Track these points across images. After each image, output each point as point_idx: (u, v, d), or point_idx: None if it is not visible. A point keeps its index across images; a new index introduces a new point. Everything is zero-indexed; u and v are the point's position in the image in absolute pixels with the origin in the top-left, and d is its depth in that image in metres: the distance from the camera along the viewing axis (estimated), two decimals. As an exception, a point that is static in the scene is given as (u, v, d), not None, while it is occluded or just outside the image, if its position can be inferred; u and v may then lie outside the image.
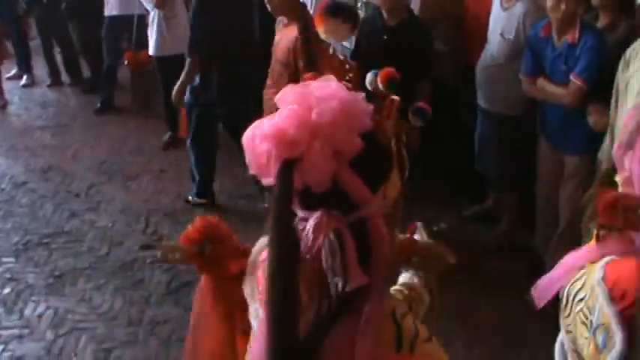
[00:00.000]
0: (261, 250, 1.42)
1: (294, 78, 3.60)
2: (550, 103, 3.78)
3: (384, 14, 4.32)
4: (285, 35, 3.95)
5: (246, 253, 1.54)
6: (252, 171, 1.21)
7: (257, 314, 1.39)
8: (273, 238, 1.14)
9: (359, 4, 4.71)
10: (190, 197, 5.21)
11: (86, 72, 8.01)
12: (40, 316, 3.92)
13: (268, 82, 4.16)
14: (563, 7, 3.50)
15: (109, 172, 5.78)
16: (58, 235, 4.74)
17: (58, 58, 8.12)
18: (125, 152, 6.20)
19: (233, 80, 4.68)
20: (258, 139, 1.17)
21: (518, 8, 3.99)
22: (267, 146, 1.15)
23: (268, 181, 1.17)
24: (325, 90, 1.19)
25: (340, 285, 1.14)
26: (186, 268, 4.26)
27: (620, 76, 3.17)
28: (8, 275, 4.28)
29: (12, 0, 7.75)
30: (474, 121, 4.46)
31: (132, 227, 4.88)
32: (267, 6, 4.02)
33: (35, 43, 8.23)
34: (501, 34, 4.06)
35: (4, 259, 4.45)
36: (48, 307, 3.99)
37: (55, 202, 5.24)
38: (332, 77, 1.26)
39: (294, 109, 1.17)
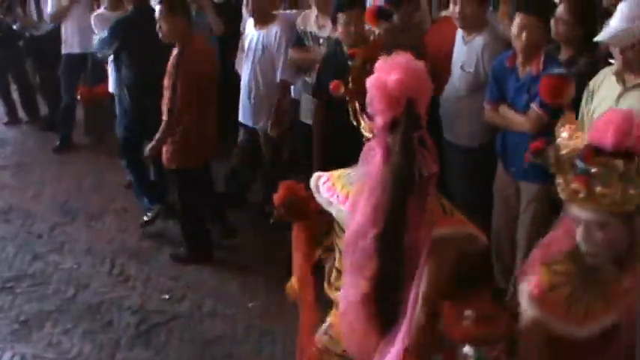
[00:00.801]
0: (316, 179, 2.45)
1: None
2: (510, 130, 4.00)
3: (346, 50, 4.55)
4: None
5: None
6: (376, 109, 2.06)
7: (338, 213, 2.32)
8: (403, 151, 2.01)
9: (321, 40, 4.94)
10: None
11: (43, 109, 8.14)
12: (7, 363, 4.01)
13: None
14: (524, 35, 3.75)
15: (72, 211, 5.87)
16: (22, 279, 4.81)
17: (14, 95, 8.23)
18: (87, 190, 6.30)
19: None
20: (393, 82, 2.00)
21: (478, 41, 4.22)
22: (399, 85, 2.00)
23: (391, 115, 2.04)
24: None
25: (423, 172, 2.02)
26: (157, 309, 4.44)
27: (585, 108, 3.44)
28: (-32, 322, 4.36)
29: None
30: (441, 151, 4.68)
31: (97, 269, 4.97)
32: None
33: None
34: (462, 67, 4.29)
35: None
36: (14, 354, 4.05)
37: (16, 244, 5.31)
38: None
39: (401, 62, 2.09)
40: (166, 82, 4.61)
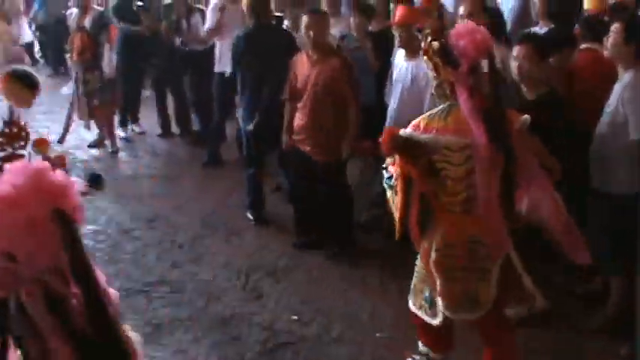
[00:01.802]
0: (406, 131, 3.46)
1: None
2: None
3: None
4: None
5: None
6: (468, 55, 3.25)
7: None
8: (493, 80, 3.33)
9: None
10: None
11: (195, 124, 8.77)
12: (135, 363, 4.33)
13: None
14: None
15: (214, 225, 6.25)
16: (159, 285, 5.18)
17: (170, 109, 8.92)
18: (230, 206, 6.68)
19: None
20: (481, 35, 3.27)
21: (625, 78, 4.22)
22: (485, 36, 3.28)
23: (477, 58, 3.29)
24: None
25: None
26: (285, 329, 4.63)
27: None
28: (108, 320, 4.74)
29: (135, 52, 8.62)
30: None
31: (232, 282, 5.25)
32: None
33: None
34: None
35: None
36: (144, 356, 4.39)
37: (158, 251, 5.74)
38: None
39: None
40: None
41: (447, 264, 3.39)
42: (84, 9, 8.21)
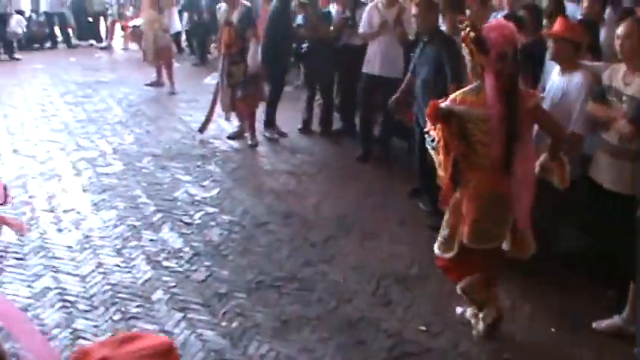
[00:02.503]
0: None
1: None
2: None
3: None
4: None
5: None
6: (497, 44, 4.20)
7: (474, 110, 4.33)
8: (514, 66, 4.29)
9: (624, 98, 4.98)
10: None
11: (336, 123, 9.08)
12: (262, 356, 4.49)
13: None
14: None
15: (348, 226, 6.42)
16: (290, 281, 5.39)
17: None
18: (367, 208, 6.84)
19: None
20: (510, 28, 4.29)
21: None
22: (513, 29, 4.30)
23: (505, 47, 4.22)
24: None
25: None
26: (412, 338, 4.73)
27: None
28: (238, 310, 4.97)
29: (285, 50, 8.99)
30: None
31: (362, 286, 5.37)
32: None
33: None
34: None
35: (236, 294, 5.17)
36: (271, 349, 4.59)
37: (291, 247, 5.96)
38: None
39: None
40: None
41: (476, 208, 4.41)
42: (232, 4, 8.62)
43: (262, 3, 11.29)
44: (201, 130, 8.94)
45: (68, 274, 5.48)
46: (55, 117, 10.02)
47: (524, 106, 4.28)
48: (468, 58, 4.36)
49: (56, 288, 5.28)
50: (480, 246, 4.49)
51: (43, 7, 16.25)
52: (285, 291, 5.27)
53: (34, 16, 16.33)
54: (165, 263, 5.65)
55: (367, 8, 8.06)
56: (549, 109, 5.30)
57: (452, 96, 4.40)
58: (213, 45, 13.90)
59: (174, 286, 5.30)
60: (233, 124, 9.14)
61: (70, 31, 16.83)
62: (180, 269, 5.55)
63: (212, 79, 11.64)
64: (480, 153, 4.35)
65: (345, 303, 5.15)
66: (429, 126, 4.46)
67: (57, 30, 16.67)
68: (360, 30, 8.06)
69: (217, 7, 9.26)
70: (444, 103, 4.36)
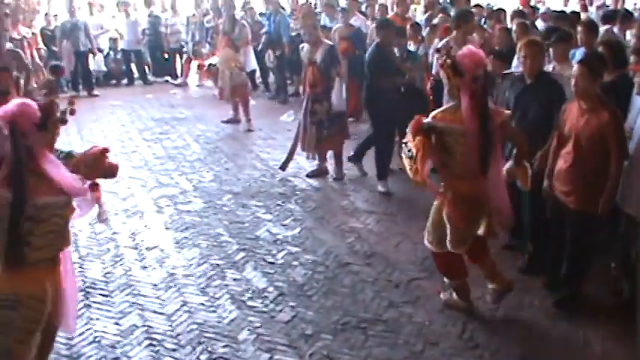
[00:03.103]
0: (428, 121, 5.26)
1: None
2: None
3: None
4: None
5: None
6: (469, 69, 5.00)
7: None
8: (485, 87, 5.17)
9: None
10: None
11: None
12: (350, 399, 4.61)
13: None
14: None
15: (430, 268, 6.41)
16: (376, 323, 5.43)
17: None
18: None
19: None
20: (480, 54, 5.12)
21: None
22: (482, 56, 5.14)
23: (477, 71, 5.02)
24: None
25: None
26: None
27: None
28: (325, 352, 5.03)
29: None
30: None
31: (448, 329, 5.37)
32: None
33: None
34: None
35: (322, 335, 5.24)
36: (357, 393, 4.68)
37: (375, 289, 5.99)
38: None
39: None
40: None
41: (458, 213, 5.20)
42: (315, 43, 8.79)
43: (338, 41, 11.44)
44: (283, 167, 9.10)
45: (154, 312, 5.64)
46: (134, 153, 10.34)
47: (495, 121, 5.09)
48: (445, 81, 5.25)
49: (143, 326, 5.44)
50: (462, 249, 5.39)
51: (121, 44, 16.84)
52: (371, 333, 5.31)
53: (111, 53, 16.93)
54: (250, 303, 5.76)
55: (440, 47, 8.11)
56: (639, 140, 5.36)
57: (433, 113, 5.25)
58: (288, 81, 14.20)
59: (260, 327, 5.40)
60: (312, 163, 9.26)
61: (146, 68, 17.37)
62: (265, 309, 5.65)
63: (288, 117, 11.90)
64: (458, 161, 5.13)
65: (431, 346, 5.17)
66: (408, 137, 5.22)
67: (134, 67, 17.21)
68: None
69: (300, 46, 9.45)
70: (427, 120, 5.18)
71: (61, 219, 3.89)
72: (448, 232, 5.31)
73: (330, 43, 9.00)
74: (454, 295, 5.73)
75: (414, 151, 5.12)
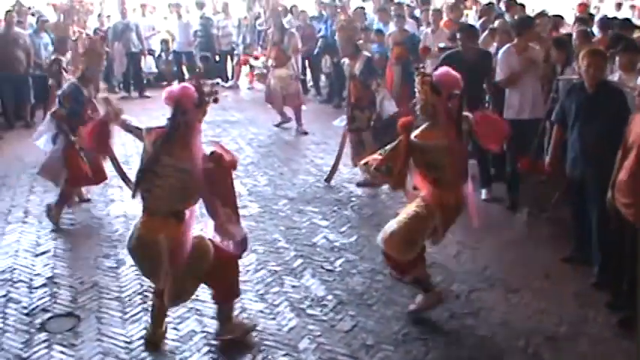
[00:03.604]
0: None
1: None
2: None
3: None
4: None
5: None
6: (446, 87, 5.34)
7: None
8: (460, 107, 5.41)
9: None
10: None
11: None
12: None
13: None
14: None
15: (490, 279, 6.34)
16: (437, 334, 5.38)
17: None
18: (506, 262, 6.75)
19: None
20: (455, 76, 5.40)
21: None
22: (457, 77, 5.41)
23: (453, 90, 5.35)
24: None
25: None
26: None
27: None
28: (386, 364, 5.05)
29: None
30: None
31: (511, 343, 5.29)
32: None
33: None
34: None
35: (383, 346, 5.20)
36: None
37: (435, 299, 5.96)
38: None
39: None
40: None
41: (446, 220, 5.52)
42: (352, 57, 8.89)
43: (393, 47, 11.42)
44: (328, 180, 9.06)
45: (212, 318, 5.62)
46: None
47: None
48: (421, 98, 5.38)
49: (202, 332, 5.45)
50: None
51: (173, 46, 16.98)
52: (432, 345, 5.26)
53: (163, 55, 17.08)
54: (309, 311, 5.74)
55: (501, 54, 8.08)
56: None
57: (414, 133, 5.40)
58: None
59: (320, 335, 5.37)
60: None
61: (197, 69, 17.48)
62: (325, 318, 5.63)
63: (341, 122, 11.81)
64: (449, 174, 5.35)
65: (495, 361, 5.09)
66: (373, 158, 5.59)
67: (184, 69, 17.34)
68: (501, 76, 8.00)
69: (342, 61, 9.50)
70: (413, 138, 5.36)
71: (180, 182, 4.72)
72: (433, 237, 5.63)
73: (368, 54, 9.07)
74: (419, 298, 5.71)
75: (390, 165, 5.39)
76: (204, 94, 4.81)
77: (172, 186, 4.75)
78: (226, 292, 5.27)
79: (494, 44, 9.31)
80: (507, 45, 8.12)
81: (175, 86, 4.85)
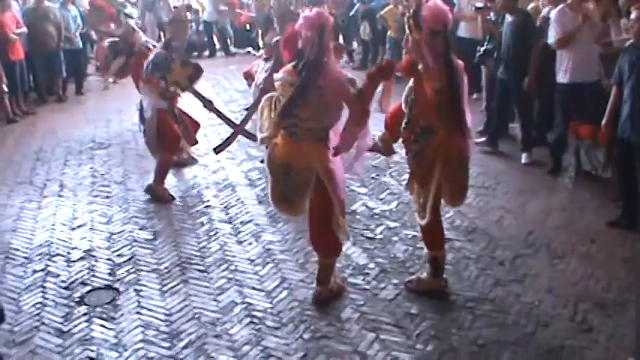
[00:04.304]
0: None
1: None
2: None
3: None
4: None
5: None
6: (430, 24, 4.96)
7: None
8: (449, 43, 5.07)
9: None
10: None
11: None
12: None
13: None
14: None
15: (535, 244, 6.21)
16: (482, 302, 5.27)
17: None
18: (551, 226, 6.61)
19: None
20: (441, 9, 5.00)
21: None
22: (444, 10, 4.98)
23: (439, 26, 4.95)
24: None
25: None
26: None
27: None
28: (432, 332, 4.91)
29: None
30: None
31: (558, 310, 5.18)
32: None
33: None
34: None
35: (428, 314, 5.12)
36: (470, 375, 4.53)
37: (479, 266, 5.83)
38: None
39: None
40: None
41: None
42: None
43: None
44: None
45: (253, 288, 5.59)
46: (221, 126, 10.24)
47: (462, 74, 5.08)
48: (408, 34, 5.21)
49: (242, 303, 5.40)
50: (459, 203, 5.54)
51: (203, 16, 16.88)
52: (478, 312, 5.16)
53: (194, 25, 16.97)
54: (351, 280, 5.66)
55: (555, 14, 7.79)
56: None
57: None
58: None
59: (363, 305, 5.30)
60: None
61: (227, 39, 17.38)
62: (367, 287, 5.55)
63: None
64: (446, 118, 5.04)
65: (542, 328, 5.00)
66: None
67: (215, 38, 17.24)
68: (555, 37, 7.75)
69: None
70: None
71: (322, 98, 4.87)
72: (445, 190, 5.21)
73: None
74: (424, 275, 5.56)
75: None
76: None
77: (317, 107, 4.89)
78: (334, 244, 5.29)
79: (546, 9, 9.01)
80: (561, 5, 7.84)
81: (314, 12, 4.92)
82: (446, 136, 5.02)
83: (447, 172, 5.09)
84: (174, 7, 14.41)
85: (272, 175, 5.14)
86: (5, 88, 11.11)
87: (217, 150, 7.68)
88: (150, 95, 7.51)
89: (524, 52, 8.18)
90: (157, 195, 7.61)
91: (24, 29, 11.83)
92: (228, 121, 7.90)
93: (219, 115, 7.92)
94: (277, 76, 5.07)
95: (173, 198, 7.63)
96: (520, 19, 8.21)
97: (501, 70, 8.53)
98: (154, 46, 8.82)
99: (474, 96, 10.10)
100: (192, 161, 8.77)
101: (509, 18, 8.39)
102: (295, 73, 4.92)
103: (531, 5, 9.55)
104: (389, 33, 12.83)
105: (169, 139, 7.63)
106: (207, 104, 7.69)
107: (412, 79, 5.12)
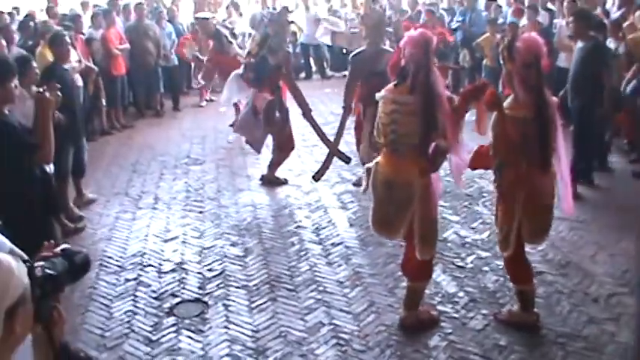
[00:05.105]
0: None
1: None
2: None
3: None
4: None
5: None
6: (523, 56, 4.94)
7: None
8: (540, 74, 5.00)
9: None
10: None
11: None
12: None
13: None
14: None
15: (631, 283, 5.98)
16: (575, 339, 5.16)
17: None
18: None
19: None
20: (537, 42, 5.01)
21: None
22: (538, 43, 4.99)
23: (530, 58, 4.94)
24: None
25: None
26: None
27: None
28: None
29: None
30: None
31: None
32: None
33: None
34: None
35: (517, 347, 5.05)
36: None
37: (572, 301, 5.72)
38: None
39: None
40: None
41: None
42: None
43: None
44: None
45: (340, 310, 5.64)
46: (315, 147, 10.43)
47: (553, 109, 5.01)
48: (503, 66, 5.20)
49: (329, 324, 5.45)
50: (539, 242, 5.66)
51: (300, 38, 17.15)
52: (570, 349, 5.06)
53: (290, 47, 17.23)
54: (440, 307, 5.64)
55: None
56: None
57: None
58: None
59: (451, 333, 5.27)
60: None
61: (324, 62, 17.58)
62: (456, 315, 5.52)
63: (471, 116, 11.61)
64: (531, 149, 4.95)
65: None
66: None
67: (312, 61, 17.46)
68: None
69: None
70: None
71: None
72: (524, 226, 5.11)
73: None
74: (515, 307, 5.48)
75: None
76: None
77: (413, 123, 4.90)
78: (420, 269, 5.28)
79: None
80: None
81: (418, 32, 5.06)
82: (526, 172, 4.96)
83: (528, 208, 5.03)
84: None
85: (375, 194, 5.16)
86: (104, 102, 11.53)
87: (316, 177, 7.82)
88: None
89: (592, 80, 8.00)
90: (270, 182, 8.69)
91: (127, 45, 12.30)
92: (322, 136, 8.08)
93: (315, 126, 8.12)
94: (379, 95, 5.12)
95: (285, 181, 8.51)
96: (591, 44, 8.04)
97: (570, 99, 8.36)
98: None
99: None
100: (282, 181, 8.91)
101: (579, 44, 8.24)
102: (405, 91, 4.96)
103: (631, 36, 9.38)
104: (485, 61, 12.76)
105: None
106: (307, 112, 7.98)
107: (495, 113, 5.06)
